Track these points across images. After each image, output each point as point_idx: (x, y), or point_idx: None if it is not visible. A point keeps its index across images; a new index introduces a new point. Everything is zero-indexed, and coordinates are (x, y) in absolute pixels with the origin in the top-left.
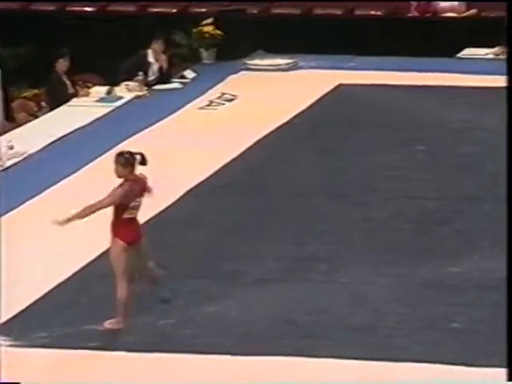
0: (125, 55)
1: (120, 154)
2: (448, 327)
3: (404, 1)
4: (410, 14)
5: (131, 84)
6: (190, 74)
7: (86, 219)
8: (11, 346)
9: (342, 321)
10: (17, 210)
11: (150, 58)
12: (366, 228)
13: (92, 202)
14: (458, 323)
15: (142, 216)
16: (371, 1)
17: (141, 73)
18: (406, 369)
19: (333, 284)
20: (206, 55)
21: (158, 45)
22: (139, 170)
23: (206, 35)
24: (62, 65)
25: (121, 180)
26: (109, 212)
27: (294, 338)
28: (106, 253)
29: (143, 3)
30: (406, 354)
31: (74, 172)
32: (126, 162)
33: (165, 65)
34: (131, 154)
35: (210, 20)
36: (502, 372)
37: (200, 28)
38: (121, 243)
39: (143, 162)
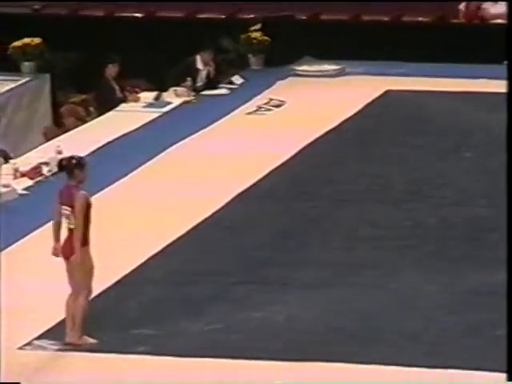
0: (173, 61)
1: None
2: (494, 335)
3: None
4: (457, 21)
5: (179, 90)
6: (237, 79)
7: None
8: (59, 350)
9: (389, 327)
10: None
11: (199, 64)
12: (414, 234)
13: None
14: (504, 331)
15: (192, 219)
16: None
17: (189, 78)
18: (451, 376)
19: (380, 290)
20: (254, 61)
21: (206, 54)
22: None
23: (254, 41)
24: (112, 70)
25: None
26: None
27: (341, 344)
28: (153, 258)
29: (192, 9)
30: (451, 361)
31: (122, 177)
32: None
33: (213, 71)
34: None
35: (258, 26)
36: None
37: (248, 34)
38: (89, 251)
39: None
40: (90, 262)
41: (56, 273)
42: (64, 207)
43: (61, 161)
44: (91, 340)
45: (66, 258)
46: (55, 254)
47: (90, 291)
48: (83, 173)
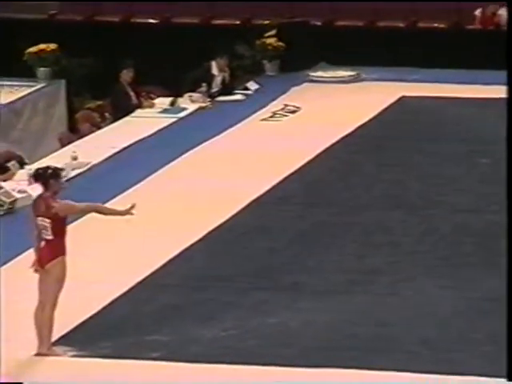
0: (188, 67)
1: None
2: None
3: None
4: (473, 27)
5: (195, 95)
6: (253, 85)
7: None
8: (75, 356)
9: (403, 334)
10: (80, 220)
11: (214, 70)
12: (429, 241)
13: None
14: None
15: (207, 225)
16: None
17: (204, 84)
18: (466, 382)
19: (394, 297)
20: (270, 67)
21: (222, 60)
22: None
23: (269, 47)
24: (127, 76)
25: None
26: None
27: (356, 351)
28: (168, 263)
29: (207, 15)
30: (465, 368)
31: (137, 183)
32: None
33: (228, 77)
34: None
35: (273, 32)
36: None
37: (263, 40)
38: (65, 262)
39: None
40: (63, 273)
41: (70, 278)
42: (40, 218)
43: (37, 171)
44: (60, 351)
45: (42, 267)
46: (35, 269)
47: (56, 302)
48: (58, 183)
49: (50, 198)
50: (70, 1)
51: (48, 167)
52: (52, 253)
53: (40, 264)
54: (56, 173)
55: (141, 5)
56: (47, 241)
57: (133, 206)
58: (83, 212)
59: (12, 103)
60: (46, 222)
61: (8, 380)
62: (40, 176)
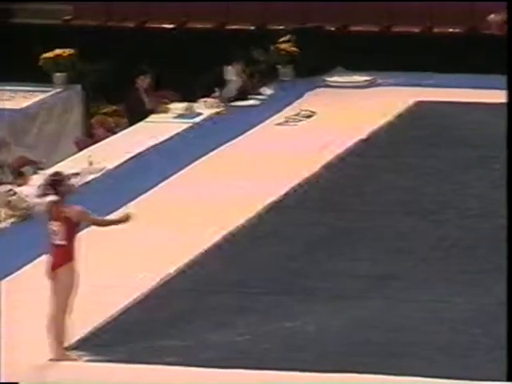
0: (203, 72)
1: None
2: None
3: None
4: (488, 32)
5: (209, 100)
6: (267, 90)
7: None
8: (89, 360)
9: (418, 339)
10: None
11: (229, 75)
12: (442, 246)
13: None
14: None
15: (222, 229)
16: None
17: (218, 89)
18: None
19: (408, 302)
20: (284, 72)
21: (237, 65)
22: None
23: (283, 52)
24: (144, 82)
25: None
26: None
27: (370, 356)
28: (182, 268)
29: (222, 20)
30: (479, 374)
31: (152, 187)
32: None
33: (243, 82)
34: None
35: (287, 37)
36: None
37: (277, 45)
38: (76, 267)
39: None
40: (72, 278)
41: (84, 283)
42: (52, 223)
43: (40, 184)
44: (74, 356)
45: (53, 270)
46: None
47: (70, 308)
48: (64, 186)
49: (60, 203)
50: (86, 0)
51: (50, 175)
52: (60, 259)
53: (52, 268)
54: (60, 178)
55: (156, 10)
56: (56, 246)
57: (129, 215)
58: (91, 222)
59: (27, 108)
60: (57, 227)
61: None
62: (44, 187)
